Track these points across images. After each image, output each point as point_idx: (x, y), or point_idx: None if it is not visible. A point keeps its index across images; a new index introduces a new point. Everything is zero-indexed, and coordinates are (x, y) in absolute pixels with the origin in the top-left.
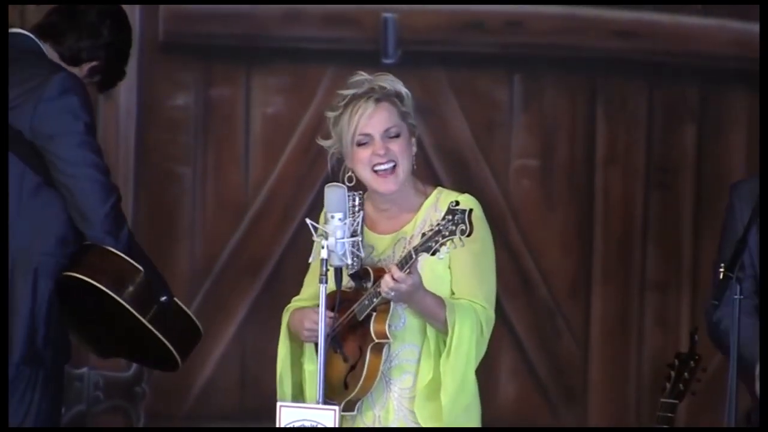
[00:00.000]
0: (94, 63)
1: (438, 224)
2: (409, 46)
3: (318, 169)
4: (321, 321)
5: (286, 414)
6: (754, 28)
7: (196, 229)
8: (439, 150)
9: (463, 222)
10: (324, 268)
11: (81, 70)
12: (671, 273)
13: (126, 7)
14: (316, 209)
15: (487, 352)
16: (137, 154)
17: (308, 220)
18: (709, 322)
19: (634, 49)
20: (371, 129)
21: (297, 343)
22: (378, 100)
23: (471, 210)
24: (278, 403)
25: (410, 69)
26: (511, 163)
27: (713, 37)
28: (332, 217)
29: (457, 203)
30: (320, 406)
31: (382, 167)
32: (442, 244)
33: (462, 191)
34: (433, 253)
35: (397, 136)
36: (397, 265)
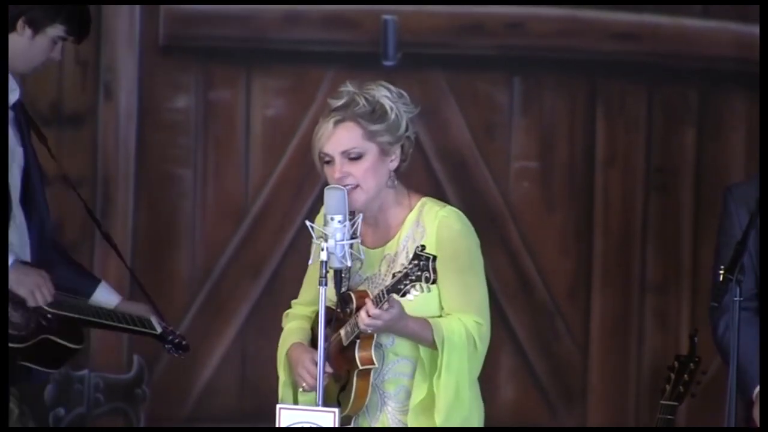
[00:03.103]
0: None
1: (406, 268)
2: (409, 48)
3: (318, 171)
4: (321, 324)
5: (286, 416)
6: (754, 30)
7: (196, 231)
8: (438, 152)
9: (427, 269)
10: (324, 271)
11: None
12: (671, 274)
13: (126, 8)
14: (316, 211)
15: (486, 353)
16: (137, 156)
17: (308, 222)
18: (713, 327)
19: (633, 51)
20: (329, 149)
21: (293, 374)
22: (339, 121)
23: (435, 257)
24: (278, 406)
25: (410, 71)
26: (510, 164)
27: (713, 39)
28: (332, 219)
29: (423, 248)
30: (320, 408)
31: (345, 186)
32: (411, 287)
33: (462, 193)
34: (403, 295)
35: (359, 157)
36: (372, 300)
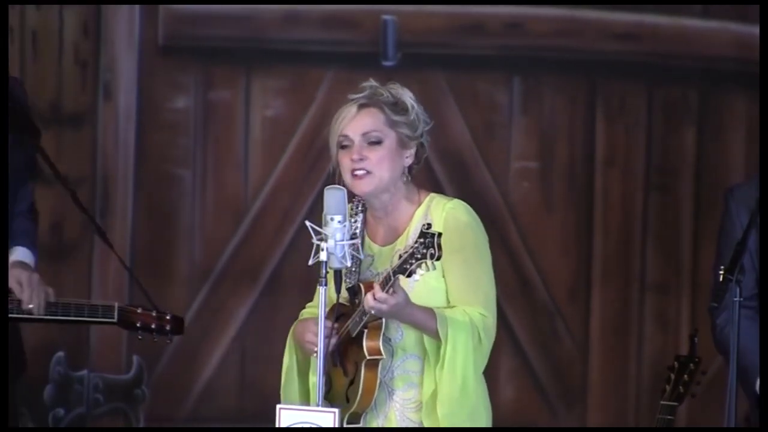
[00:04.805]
0: None
1: (412, 247)
2: (408, 48)
3: (318, 171)
4: (320, 324)
5: (286, 416)
6: (754, 30)
7: (195, 231)
8: (438, 152)
9: (432, 246)
10: (323, 271)
11: None
12: (671, 275)
13: (126, 8)
14: (315, 212)
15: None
16: (137, 156)
17: (308, 223)
18: (713, 326)
19: (633, 51)
20: (351, 131)
21: (303, 354)
22: (363, 105)
23: (440, 234)
24: (278, 406)
25: (410, 71)
26: (510, 165)
27: (713, 39)
28: (331, 219)
29: (429, 226)
30: (320, 408)
31: (357, 172)
32: (417, 266)
33: (462, 193)
34: (409, 275)
35: (378, 142)
36: (380, 284)
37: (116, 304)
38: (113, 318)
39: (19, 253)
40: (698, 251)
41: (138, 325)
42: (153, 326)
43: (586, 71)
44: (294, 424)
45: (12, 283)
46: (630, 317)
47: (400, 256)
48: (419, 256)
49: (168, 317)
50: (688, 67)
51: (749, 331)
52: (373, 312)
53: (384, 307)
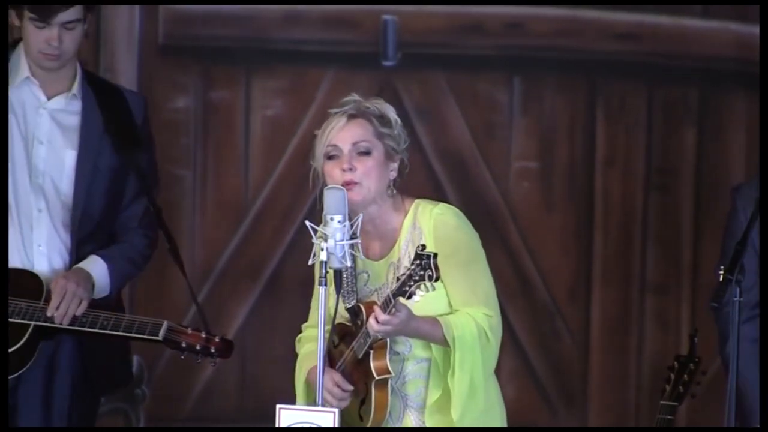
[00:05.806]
0: None
1: (409, 269)
2: (409, 48)
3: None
4: (320, 322)
5: (286, 416)
6: (754, 30)
7: (195, 231)
8: (438, 152)
9: (429, 267)
10: (323, 271)
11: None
12: (671, 275)
13: (126, 8)
14: (315, 212)
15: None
16: None
17: (308, 222)
18: (720, 334)
19: (634, 51)
20: (340, 141)
21: (313, 395)
22: (352, 116)
23: (435, 254)
24: (278, 406)
25: (410, 71)
26: (511, 165)
27: (713, 39)
28: (331, 219)
29: (423, 247)
30: (319, 408)
31: (346, 179)
32: (416, 287)
33: (462, 193)
34: (409, 297)
35: (367, 153)
36: (381, 306)
37: (165, 323)
38: (158, 336)
39: (88, 260)
40: (698, 251)
41: (183, 345)
42: (198, 347)
43: (586, 71)
44: (294, 424)
45: (52, 285)
46: (630, 317)
47: (398, 279)
48: (417, 277)
49: (217, 339)
50: (688, 67)
51: (750, 360)
52: (379, 336)
53: (388, 328)
